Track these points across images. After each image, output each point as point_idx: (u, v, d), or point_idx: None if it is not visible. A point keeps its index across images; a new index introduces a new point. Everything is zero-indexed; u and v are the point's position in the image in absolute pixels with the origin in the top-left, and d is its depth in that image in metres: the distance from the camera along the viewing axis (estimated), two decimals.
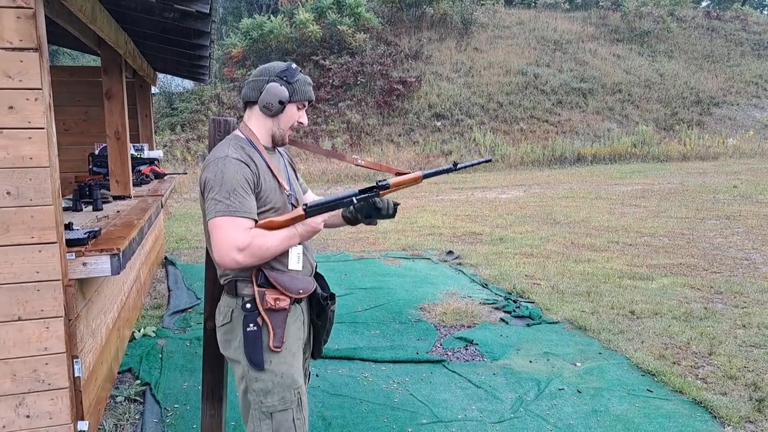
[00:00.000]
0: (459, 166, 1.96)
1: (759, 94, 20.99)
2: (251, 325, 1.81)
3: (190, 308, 4.65)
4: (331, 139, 16.80)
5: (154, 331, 4.08)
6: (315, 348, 2.07)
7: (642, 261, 6.14)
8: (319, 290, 1.99)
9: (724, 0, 30.15)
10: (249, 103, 1.92)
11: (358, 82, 18.40)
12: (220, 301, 1.96)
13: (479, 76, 19.60)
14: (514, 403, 3.15)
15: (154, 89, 6.59)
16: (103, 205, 3.47)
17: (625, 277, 5.52)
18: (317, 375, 3.44)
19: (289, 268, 1.88)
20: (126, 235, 2.62)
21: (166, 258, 6.19)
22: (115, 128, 3.76)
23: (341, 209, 1.93)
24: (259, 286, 1.82)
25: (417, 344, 3.99)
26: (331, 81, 18.32)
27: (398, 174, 1.94)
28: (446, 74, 19.52)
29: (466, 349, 3.93)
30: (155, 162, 5.32)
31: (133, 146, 5.09)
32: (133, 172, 4.44)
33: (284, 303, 1.83)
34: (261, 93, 1.86)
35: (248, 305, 1.82)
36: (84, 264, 2.33)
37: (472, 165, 2.06)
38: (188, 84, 17.45)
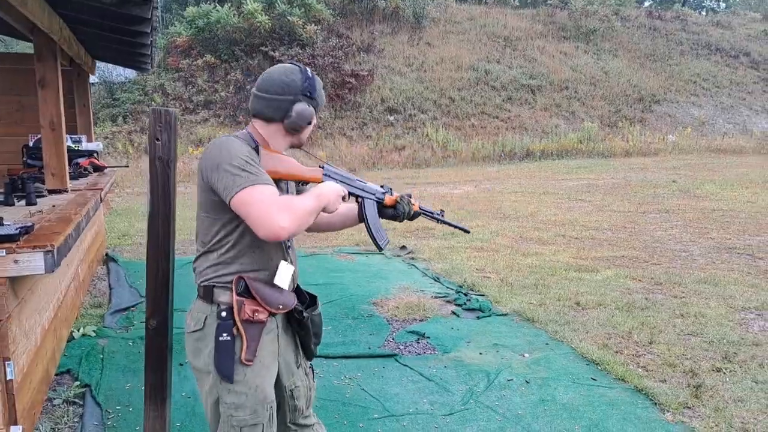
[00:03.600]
0: (442, 219, 2.17)
1: (697, 93, 21.92)
2: (224, 334, 1.72)
3: (132, 307, 4.48)
4: None
5: (94, 331, 3.91)
6: (306, 352, 2.00)
7: (587, 254, 6.32)
8: (297, 305, 1.90)
9: (666, 0, 31.31)
10: (265, 118, 1.80)
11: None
12: (192, 305, 1.85)
13: (431, 71, 19.69)
14: (464, 395, 3.19)
15: (93, 78, 6.31)
16: (38, 200, 3.30)
17: (571, 270, 5.67)
18: None
19: (275, 282, 1.80)
20: (61, 231, 2.49)
21: (107, 255, 5.95)
22: (50, 118, 3.57)
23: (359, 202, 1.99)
24: (238, 294, 1.73)
25: (369, 339, 3.98)
26: None
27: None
28: (399, 68, 19.52)
29: (418, 343, 3.94)
30: (94, 154, 5.09)
31: (70, 138, 4.86)
32: (70, 165, 4.24)
33: (262, 316, 1.74)
34: (286, 114, 1.76)
35: (224, 314, 1.73)
36: (15, 261, 2.20)
37: (452, 226, 2.25)
38: (130, 73, 16.77)
